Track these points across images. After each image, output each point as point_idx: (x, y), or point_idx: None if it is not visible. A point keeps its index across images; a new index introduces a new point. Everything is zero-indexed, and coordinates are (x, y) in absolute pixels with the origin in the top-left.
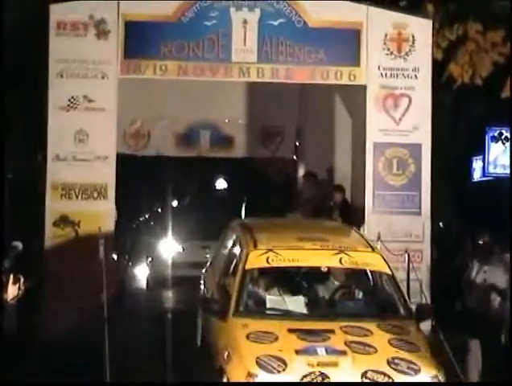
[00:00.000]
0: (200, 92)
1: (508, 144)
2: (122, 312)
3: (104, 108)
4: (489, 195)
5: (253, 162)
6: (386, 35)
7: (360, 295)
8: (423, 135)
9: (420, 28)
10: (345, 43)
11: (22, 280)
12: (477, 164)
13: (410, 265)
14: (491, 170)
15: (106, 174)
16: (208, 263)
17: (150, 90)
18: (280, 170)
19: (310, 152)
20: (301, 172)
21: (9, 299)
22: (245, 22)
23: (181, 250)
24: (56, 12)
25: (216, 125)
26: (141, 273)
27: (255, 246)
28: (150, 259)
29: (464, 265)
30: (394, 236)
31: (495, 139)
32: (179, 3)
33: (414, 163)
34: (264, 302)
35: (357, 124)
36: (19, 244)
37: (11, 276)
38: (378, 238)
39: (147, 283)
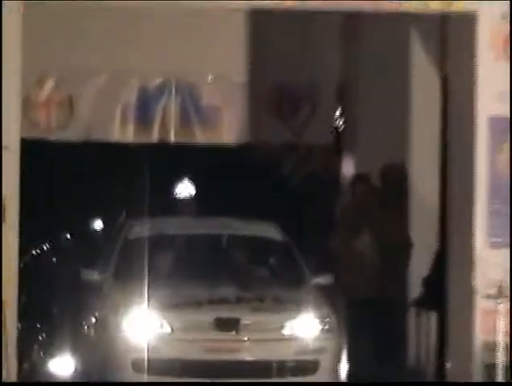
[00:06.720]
0: (165, 26)
1: None
2: None
3: None
4: None
5: (257, 154)
6: None
7: None
8: None
9: None
10: None
11: None
12: None
13: None
14: None
15: (6, 180)
16: None
17: (73, 20)
18: (310, 172)
19: (364, 134)
20: (348, 172)
21: None
22: None
23: None
24: None
25: (191, 85)
26: None
27: None
28: None
29: None
30: None
31: None
32: None
33: None
34: None
35: (453, 80)
36: None
37: None
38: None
39: None
